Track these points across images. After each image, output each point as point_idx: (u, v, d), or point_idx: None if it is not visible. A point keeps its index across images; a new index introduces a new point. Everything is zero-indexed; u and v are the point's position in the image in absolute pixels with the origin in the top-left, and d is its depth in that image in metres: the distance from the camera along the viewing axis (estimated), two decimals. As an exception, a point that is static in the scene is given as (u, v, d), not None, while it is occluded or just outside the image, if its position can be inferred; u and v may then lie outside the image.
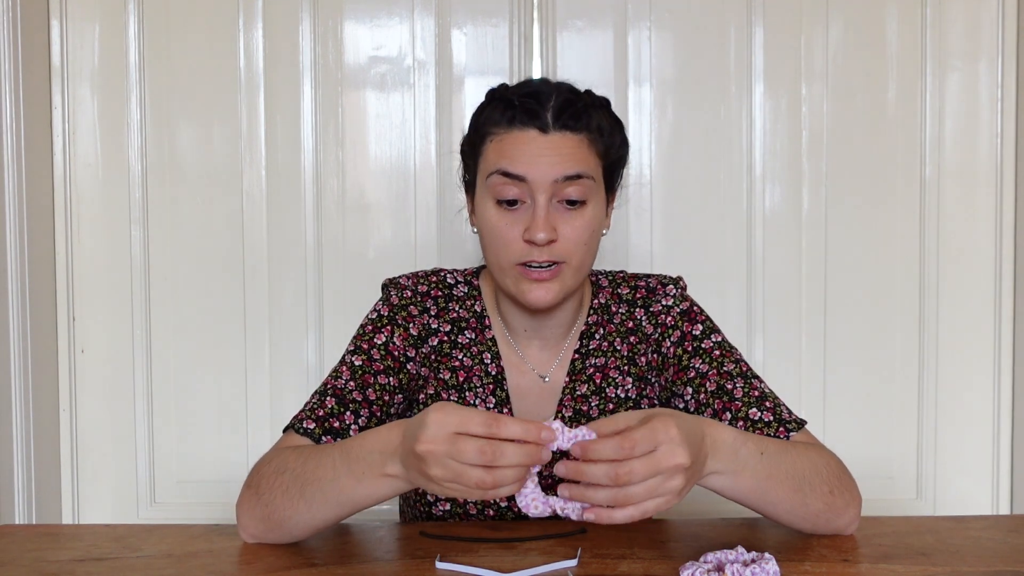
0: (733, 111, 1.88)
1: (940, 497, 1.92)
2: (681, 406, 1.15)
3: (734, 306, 1.89)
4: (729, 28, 1.87)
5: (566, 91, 1.11)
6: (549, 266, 1.08)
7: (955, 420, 1.91)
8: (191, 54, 1.86)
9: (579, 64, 1.86)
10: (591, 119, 1.10)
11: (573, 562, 0.94)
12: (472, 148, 1.14)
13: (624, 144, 1.16)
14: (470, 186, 1.17)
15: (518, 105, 1.08)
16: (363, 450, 0.92)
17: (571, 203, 1.08)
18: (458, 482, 0.82)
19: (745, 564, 0.88)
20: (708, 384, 1.13)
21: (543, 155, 1.06)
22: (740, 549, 0.92)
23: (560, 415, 1.18)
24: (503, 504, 1.16)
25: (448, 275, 1.23)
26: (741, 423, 1.09)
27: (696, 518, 1.15)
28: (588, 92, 1.14)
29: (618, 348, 1.20)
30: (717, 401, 1.11)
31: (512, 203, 1.08)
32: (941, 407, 1.91)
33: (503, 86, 1.15)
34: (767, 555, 0.90)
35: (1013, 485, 1.91)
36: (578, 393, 1.18)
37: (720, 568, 0.88)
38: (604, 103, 1.15)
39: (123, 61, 1.85)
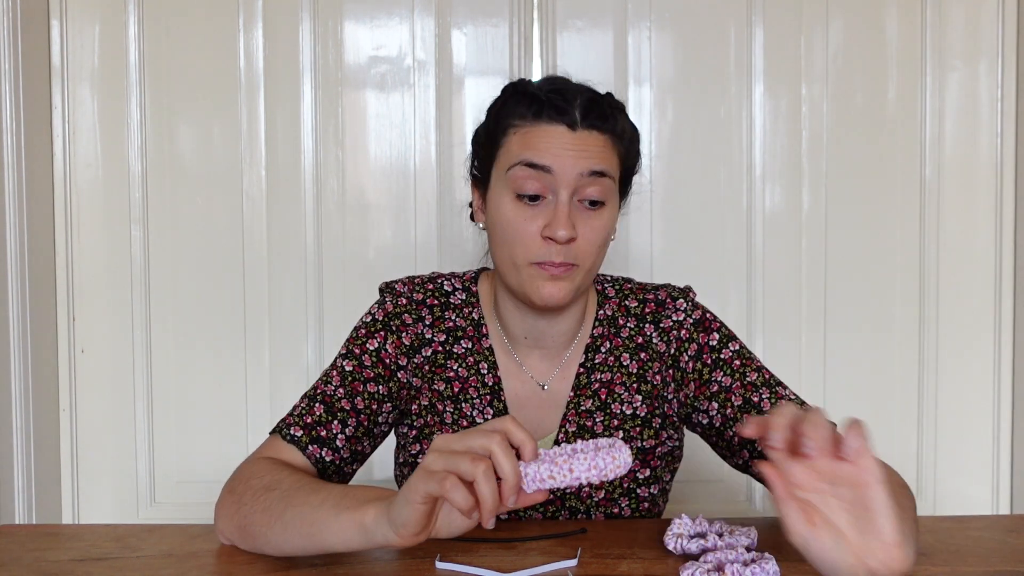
0: (733, 111, 1.88)
1: (940, 497, 1.92)
2: (705, 421, 1.14)
3: (734, 306, 1.89)
4: (729, 28, 1.87)
5: (589, 91, 1.10)
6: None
7: (955, 420, 1.91)
8: (191, 54, 1.86)
9: (579, 64, 1.86)
10: (616, 122, 1.09)
11: (573, 562, 0.94)
12: (490, 139, 1.10)
13: (638, 149, 1.15)
14: (480, 181, 1.14)
15: (545, 100, 1.06)
16: (359, 493, 0.88)
17: (592, 204, 1.06)
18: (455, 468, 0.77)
19: (745, 564, 0.88)
20: (734, 399, 1.12)
21: (570, 149, 1.04)
22: (740, 549, 0.92)
23: (563, 429, 1.15)
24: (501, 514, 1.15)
25: (445, 282, 1.19)
26: None
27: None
28: (609, 94, 1.13)
29: (625, 364, 1.17)
30: (745, 416, 1.10)
31: (533, 199, 1.05)
32: (941, 407, 1.91)
33: (524, 80, 1.12)
34: (767, 555, 0.90)
35: (1013, 485, 1.91)
36: (583, 408, 1.16)
37: (720, 568, 0.88)
38: (623, 108, 1.14)
39: (123, 61, 1.85)
